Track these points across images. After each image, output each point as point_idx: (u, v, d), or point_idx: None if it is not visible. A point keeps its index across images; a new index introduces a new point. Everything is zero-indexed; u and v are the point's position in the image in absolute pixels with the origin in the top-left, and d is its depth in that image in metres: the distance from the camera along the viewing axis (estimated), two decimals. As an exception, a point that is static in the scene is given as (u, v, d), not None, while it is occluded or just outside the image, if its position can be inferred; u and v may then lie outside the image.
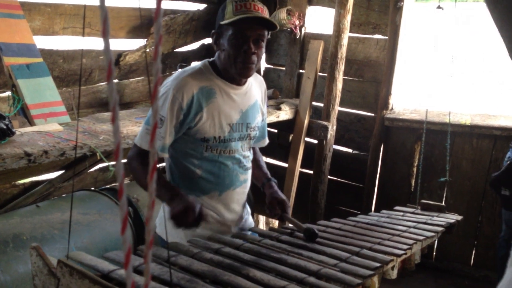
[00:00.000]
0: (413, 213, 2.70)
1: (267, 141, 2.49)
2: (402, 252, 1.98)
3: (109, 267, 1.42)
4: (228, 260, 1.67)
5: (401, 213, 2.67)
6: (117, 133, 0.56)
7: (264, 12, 2.02)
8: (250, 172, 2.31)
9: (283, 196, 2.27)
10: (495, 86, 12.12)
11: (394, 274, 2.03)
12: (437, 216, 2.62)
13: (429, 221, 2.49)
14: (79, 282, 1.26)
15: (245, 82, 2.18)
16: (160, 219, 2.29)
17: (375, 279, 1.87)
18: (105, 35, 0.52)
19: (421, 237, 2.21)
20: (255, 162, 2.41)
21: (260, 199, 2.49)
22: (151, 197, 0.60)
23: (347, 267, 1.73)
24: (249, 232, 2.24)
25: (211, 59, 2.18)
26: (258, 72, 4.23)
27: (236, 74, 2.07)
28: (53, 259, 1.36)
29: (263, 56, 2.31)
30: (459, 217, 2.66)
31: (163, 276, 1.42)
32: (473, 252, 4.44)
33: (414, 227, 2.34)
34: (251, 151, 2.31)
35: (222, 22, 2.01)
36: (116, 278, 1.37)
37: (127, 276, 0.58)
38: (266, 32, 2.05)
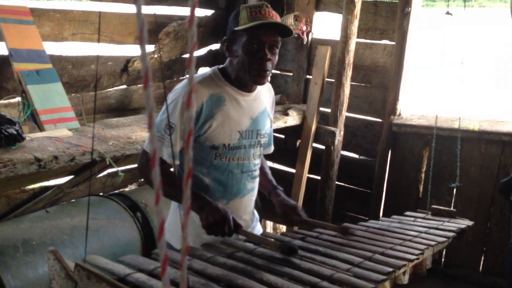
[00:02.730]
0: (423, 218, 2.69)
1: (272, 148, 2.48)
2: (414, 257, 1.97)
3: (125, 271, 1.42)
4: (241, 265, 1.67)
5: (412, 219, 2.66)
6: (154, 139, 0.57)
7: (278, 19, 2.02)
8: (257, 180, 2.30)
9: (294, 202, 2.26)
10: (503, 91, 12.10)
11: (405, 279, 2.02)
12: (448, 222, 2.61)
13: (440, 227, 2.48)
14: (97, 285, 1.26)
15: (255, 88, 2.18)
16: (169, 226, 2.27)
17: (387, 284, 1.87)
18: (142, 42, 0.53)
19: (433, 242, 2.20)
20: (260, 169, 2.40)
21: (267, 205, 2.48)
22: (186, 203, 0.60)
23: (360, 272, 1.72)
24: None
25: (221, 66, 2.18)
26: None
27: (250, 81, 2.06)
28: (70, 262, 1.37)
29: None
30: (470, 223, 2.66)
31: (178, 280, 1.42)
32: (482, 258, 4.42)
33: (425, 232, 2.34)
34: (260, 159, 2.31)
35: (237, 28, 2.00)
36: (132, 282, 1.37)
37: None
38: (280, 39, 2.06)
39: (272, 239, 2.04)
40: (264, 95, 2.25)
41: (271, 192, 2.35)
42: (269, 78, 2.13)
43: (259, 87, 2.20)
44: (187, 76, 2.16)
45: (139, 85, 4.26)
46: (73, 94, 3.72)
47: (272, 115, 2.35)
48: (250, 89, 2.15)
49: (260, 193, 2.41)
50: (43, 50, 3.30)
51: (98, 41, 3.54)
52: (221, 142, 2.07)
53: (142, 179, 4.08)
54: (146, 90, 0.55)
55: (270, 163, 4.68)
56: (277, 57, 2.08)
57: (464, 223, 2.62)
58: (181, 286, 0.61)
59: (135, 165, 4.10)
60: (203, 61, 4.74)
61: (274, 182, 2.39)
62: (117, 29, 3.90)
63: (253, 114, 2.17)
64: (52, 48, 3.53)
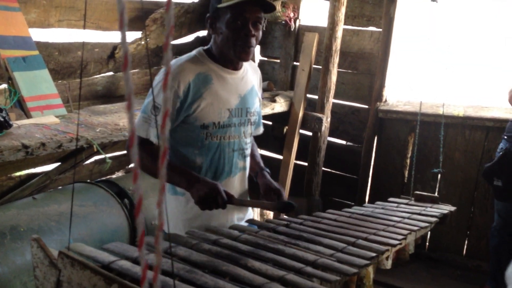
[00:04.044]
0: (407, 204, 2.73)
1: (262, 129, 2.49)
2: (397, 242, 2.01)
3: (109, 258, 1.44)
4: (226, 251, 1.69)
5: (395, 204, 2.70)
6: (131, 120, 0.59)
7: None
8: (248, 159, 2.32)
9: (277, 185, 2.28)
10: (488, 77, 12.15)
11: (388, 264, 2.06)
12: (430, 207, 2.65)
13: (423, 212, 2.52)
14: (80, 273, 1.28)
15: (241, 66, 2.19)
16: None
17: (370, 269, 1.90)
18: (122, 27, 0.54)
19: (416, 228, 2.24)
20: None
21: (254, 189, 2.48)
22: (162, 181, 0.63)
23: (344, 257, 1.75)
24: (247, 224, 2.26)
25: (205, 47, 2.19)
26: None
27: (235, 58, 2.08)
28: (53, 250, 1.38)
29: (257, 48, 2.31)
30: (453, 208, 2.70)
31: (162, 267, 1.44)
32: (466, 242, 4.49)
33: (408, 218, 2.38)
34: (251, 138, 2.32)
35: (220, 5, 2.01)
36: (116, 269, 1.39)
37: (140, 257, 0.61)
38: (263, 14, 2.07)
39: (266, 202, 2.09)
40: (251, 74, 2.27)
41: (258, 174, 2.36)
42: (253, 54, 2.14)
43: (245, 66, 2.21)
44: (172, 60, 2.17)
45: (126, 72, 4.25)
46: (60, 81, 3.70)
47: (260, 95, 2.36)
48: (235, 67, 2.16)
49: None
50: (29, 37, 3.28)
51: (84, 27, 3.52)
52: (211, 120, 2.09)
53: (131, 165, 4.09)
54: (125, 73, 0.57)
55: (257, 149, 4.70)
56: (260, 32, 2.09)
57: (446, 208, 2.66)
58: (157, 257, 0.63)
59: (123, 152, 4.11)
60: (190, 47, 4.73)
61: (262, 164, 2.41)
62: (104, 15, 3.88)
63: (241, 92, 2.18)
64: (38, 34, 3.51)
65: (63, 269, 1.30)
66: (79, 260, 1.27)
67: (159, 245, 0.69)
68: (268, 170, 2.38)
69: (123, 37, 0.60)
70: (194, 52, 2.16)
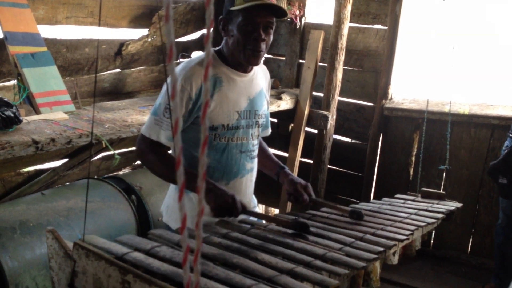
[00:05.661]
0: (413, 200, 2.75)
1: (269, 130, 2.52)
2: (405, 237, 2.02)
3: (123, 250, 1.46)
4: (236, 244, 1.71)
5: (402, 201, 2.71)
6: (176, 108, 0.62)
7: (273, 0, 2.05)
8: (256, 160, 2.33)
9: (304, 181, 2.30)
10: (494, 75, 12.14)
11: (395, 260, 2.08)
12: (437, 204, 2.67)
13: (430, 208, 2.54)
14: (95, 263, 1.30)
15: (251, 69, 2.21)
16: (168, 208, 2.30)
17: (377, 264, 1.92)
18: (168, 20, 0.58)
19: (423, 223, 2.26)
20: (263, 152, 2.44)
21: (259, 189, 2.49)
22: (202, 169, 0.65)
23: (352, 251, 1.77)
24: (255, 219, 2.28)
25: (216, 48, 2.20)
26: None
27: (245, 61, 2.09)
28: (69, 242, 1.40)
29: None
30: (459, 205, 2.71)
31: (174, 259, 1.46)
32: (470, 240, 4.50)
33: (415, 214, 2.39)
34: (259, 140, 2.34)
35: (232, 8, 2.03)
36: (129, 260, 1.41)
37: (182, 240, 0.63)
38: (275, 20, 2.08)
39: (280, 218, 2.10)
40: (260, 77, 2.28)
41: (279, 173, 2.38)
42: (263, 58, 2.16)
43: (255, 69, 2.23)
44: (181, 60, 2.19)
45: (132, 69, 4.27)
46: (68, 78, 3.73)
47: (268, 97, 2.38)
48: (246, 70, 2.18)
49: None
50: (38, 33, 3.30)
51: (99, 24, 3.55)
52: (220, 122, 2.10)
53: (141, 163, 4.12)
54: (170, 64, 0.60)
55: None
56: (271, 37, 2.11)
57: (453, 205, 2.67)
58: (197, 242, 0.65)
59: (130, 149, 4.13)
60: (196, 45, 4.74)
61: (280, 163, 2.43)
62: (111, 12, 3.91)
63: (250, 94, 2.20)
64: (47, 31, 3.53)
65: (78, 260, 1.32)
66: (94, 251, 1.29)
67: (200, 230, 0.71)
68: (287, 167, 2.41)
69: (168, 29, 0.62)
70: None
